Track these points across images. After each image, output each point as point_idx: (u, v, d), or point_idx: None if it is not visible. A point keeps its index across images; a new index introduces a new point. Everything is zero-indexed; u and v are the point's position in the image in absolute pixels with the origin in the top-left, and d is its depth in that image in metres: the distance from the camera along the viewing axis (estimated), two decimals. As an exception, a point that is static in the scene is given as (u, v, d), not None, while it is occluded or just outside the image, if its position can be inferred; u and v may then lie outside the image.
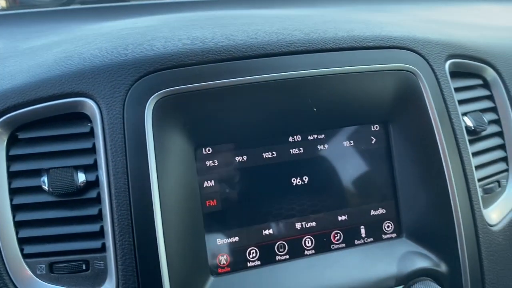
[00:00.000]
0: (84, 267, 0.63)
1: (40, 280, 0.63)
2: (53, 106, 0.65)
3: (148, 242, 0.62)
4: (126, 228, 0.62)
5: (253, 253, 0.70)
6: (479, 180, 0.78)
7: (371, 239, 0.74)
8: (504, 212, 0.80)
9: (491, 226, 0.77)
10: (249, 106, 0.68)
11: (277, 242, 0.71)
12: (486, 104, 0.85)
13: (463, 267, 0.73)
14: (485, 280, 0.74)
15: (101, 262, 0.63)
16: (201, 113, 0.66)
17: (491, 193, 0.80)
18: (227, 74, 0.66)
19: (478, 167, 0.79)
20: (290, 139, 0.72)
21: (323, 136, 0.73)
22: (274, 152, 0.71)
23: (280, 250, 0.71)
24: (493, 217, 0.78)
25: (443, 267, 0.73)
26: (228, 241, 0.69)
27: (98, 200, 0.64)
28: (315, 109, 0.70)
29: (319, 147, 0.73)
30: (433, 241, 0.74)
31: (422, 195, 0.74)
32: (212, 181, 0.68)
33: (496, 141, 0.84)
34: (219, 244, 0.68)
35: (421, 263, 0.71)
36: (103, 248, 0.63)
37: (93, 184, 0.65)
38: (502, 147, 0.85)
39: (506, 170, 0.84)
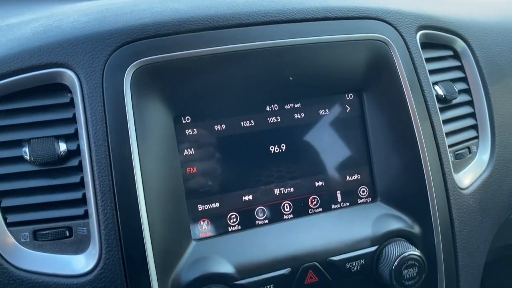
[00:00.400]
0: (67, 234, 0.65)
1: (24, 248, 0.65)
2: (32, 77, 0.66)
3: (130, 208, 0.64)
4: (107, 195, 0.64)
5: (233, 218, 0.72)
6: (450, 146, 0.82)
7: (347, 203, 0.77)
8: (474, 177, 0.83)
9: (462, 189, 0.80)
10: (226, 75, 0.70)
11: (256, 207, 0.73)
12: (456, 74, 0.88)
13: (435, 228, 0.76)
14: (456, 241, 0.78)
15: (84, 228, 0.65)
16: (179, 82, 0.68)
17: (462, 158, 0.83)
18: (203, 43, 0.68)
19: (449, 133, 0.82)
20: (268, 108, 0.74)
21: (299, 105, 0.75)
22: (252, 121, 0.73)
23: (260, 215, 0.73)
24: (463, 181, 0.81)
25: (416, 229, 0.76)
26: (209, 207, 0.71)
27: (79, 168, 0.66)
28: (291, 78, 0.72)
29: (296, 115, 0.75)
30: (406, 204, 0.77)
31: (395, 160, 0.77)
32: (192, 149, 0.70)
33: (466, 109, 0.88)
34: (200, 210, 0.70)
35: (395, 225, 0.74)
36: (85, 215, 0.65)
37: (75, 153, 0.66)
38: (472, 115, 0.88)
39: (476, 138, 0.88)
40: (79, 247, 0.65)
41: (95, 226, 0.64)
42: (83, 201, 0.65)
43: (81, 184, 0.65)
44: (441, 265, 0.75)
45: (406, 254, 0.70)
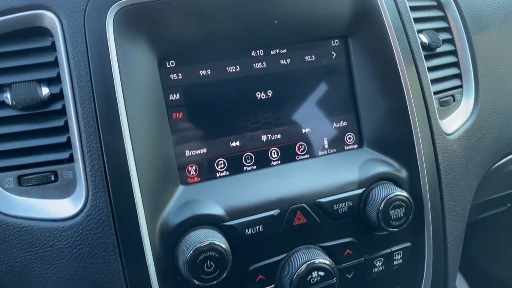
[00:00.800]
0: (52, 178, 0.64)
1: (8, 194, 0.64)
2: (12, 20, 0.64)
3: (116, 151, 0.63)
4: (93, 138, 0.63)
5: (221, 164, 0.72)
6: (435, 93, 0.82)
7: (334, 150, 0.78)
8: (459, 124, 0.84)
9: (447, 135, 0.81)
10: (210, 18, 0.69)
11: (244, 153, 0.73)
12: (440, 24, 0.89)
13: (421, 172, 0.77)
14: (442, 184, 0.79)
15: (70, 172, 0.64)
16: (162, 24, 0.67)
17: (446, 106, 0.84)
18: (187, -15, 0.67)
19: (434, 81, 0.83)
20: (253, 53, 0.73)
21: (285, 50, 0.75)
22: (238, 67, 0.72)
23: (248, 161, 0.73)
24: (448, 127, 0.82)
25: (403, 172, 0.77)
26: (196, 152, 0.70)
27: (63, 112, 0.65)
28: (276, 21, 0.72)
29: (282, 61, 0.75)
30: (393, 149, 0.77)
31: (381, 107, 0.78)
32: (177, 94, 0.69)
33: (450, 59, 0.88)
34: (188, 155, 0.70)
35: (382, 168, 0.75)
36: (71, 159, 0.64)
37: (58, 96, 0.65)
38: (455, 64, 0.89)
39: (460, 87, 0.89)
40: (65, 191, 0.64)
41: (81, 170, 0.63)
42: (67, 145, 0.64)
43: (65, 128, 0.64)
44: (427, 206, 0.77)
45: (392, 194, 0.71)
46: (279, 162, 0.74)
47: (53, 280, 0.63)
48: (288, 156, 0.75)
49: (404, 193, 0.71)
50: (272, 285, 0.70)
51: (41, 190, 0.64)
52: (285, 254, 0.70)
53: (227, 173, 0.72)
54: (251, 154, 0.73)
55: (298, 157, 0.75)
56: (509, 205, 1.41)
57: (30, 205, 0.63)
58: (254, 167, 0.73)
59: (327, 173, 0.74)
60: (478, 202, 1.11)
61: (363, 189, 0.73)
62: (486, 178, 0.94)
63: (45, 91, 0.64)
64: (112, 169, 0.62)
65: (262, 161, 0.74)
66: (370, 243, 0.75)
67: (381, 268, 0.76)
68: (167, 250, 0.64)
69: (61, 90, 0.65)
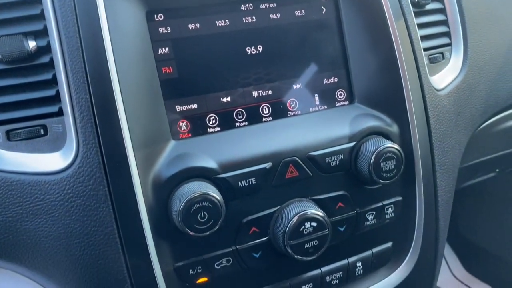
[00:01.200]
0: (42, 132, 0.63)
1: (-3, 149, 0.63)
2: (-6, -29, 0.63)
3: (106, 103, 0.62)
4: (82, 90, 0.62)
5: (212, 119, 0.71)
6: (425, 50, 0.82)
7: (325, 106, 0.78)
8: (448, 80, 0.85)
9: (437, 90, 0.82)
10: (199, -30, 0.68)
11: (235, 109, 0.73)
12: (429, -19, 0.89)
13: (412, 126, 0.77)
14: (432, 138, 0.79)
15: (59, 126, 0.63)
16: (150, -25, 0.66)
17: (436, 62, 0.85)
18: None
19: (423, 38, 0.83)
20: (243, 7, 0.72)
21: (274, 5, 0.74)
22: (227, 20, 0.72)
23: (239, 117, 0.73)
24: (438, 83, 0.83)
25: (394, 127, 0.77)
26: (187, 107, 0.70)
27: (51, 65, 0.64)
28: (264, -26, 0.71)
29: (272, 16, 0.74)
30: (383, 105, 0.78)
31: (372, 62, 0.78)
32: (167, 48, 0.69)
33: (439, 17, 0.88)
34: (179, 111, 0.69)
35: (373, 123, 0.75)
36: (60, 112, 0.63)
37: (45, 49, 0.64)
38: (444, 23, 0.89)
39: (449, 45, 0.89)
40: (55, 144, 0.63)
41: (70, 123, 0.62)
42: (56, 98, 0.63)
43: (53, 81, 0.64)
44: (418, 160, 0.77)
45: (383, 147, 0.71)
46: (270, 118, 0.74)
47: (45, 234, 0.63)
48: (279, 112, 0.75)
49: (395, 145, 0.72)
50: (266, 237, 0.70)
51: (30, 144, 0.63)
52: (278, 207, 0.70)
53: (219, 129, 0.71)
54: (242, 110, 0.73)
55: (289, 114, 0.75)
56: (497, 170, 1.43)
57: (20, 159, 0.63)
58: (246, 123, 0.73)
59: (318, 128, 0.74)
60: (467, 166, 1.12)
61: (354, 142, 0.73)
62: (475, 138, 0.96)
63: (32, 44, 0.63)
64: (102, 122, 0.62)
65: (254, 117, 0.73)
66: (361, 196, 0.75)
67: (373, 222, 0.76)
68: (161, 202, 0.64)
69: (48, 43, 0.64)
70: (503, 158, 1.21)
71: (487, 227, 2.15)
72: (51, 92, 0.63)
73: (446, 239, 2.46)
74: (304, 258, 0.69)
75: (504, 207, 2.02)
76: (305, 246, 0.68)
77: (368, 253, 0.78)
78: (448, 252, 2.30)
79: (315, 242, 0.69)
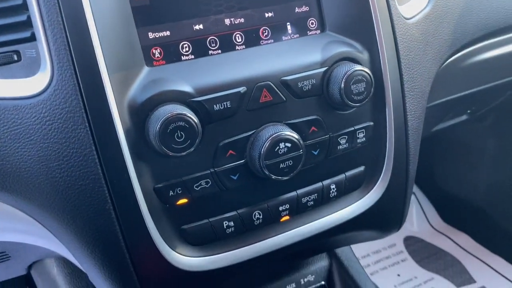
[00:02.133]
0: (15, 58, 0.63)
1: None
2: None
3: (77, 23, 0.62)
4: (54, 14, 0.62)
5: (185, 47, 0.72)
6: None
7: (297, 35, 0.79)
8: (417, 10, 0.87)
9: (406, 19, 0.84)
10: None
11: (208, 37, 0.74)
12: None
13: (381, 53, 0.79)
14: (401, 64, 0.82)
15: (33, 51, 0.63)
16: None
17: (404, -8, 0.87)
18: None
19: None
20: None
21: None
22: None
23: (212, 45, 0.74)
24: (407, 12, 0.85)
25: (364, 54, 0.79)
26: (160, 35, 0.70)
27: (20, -10, 0.64)
28: None
29: None
30: (354, 33, 0.79)
31: (341, -9, 0.79)
32: (138, -26, 0.69)
33: None
34: (152, 38, 0.70)
35: (344, 48, 0.77)
36: (33, 37, 0.64)
37: (12, -26, 0.64)
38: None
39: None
40: (30, 69, 0.64)
41: (44, 47, 0.62)
42: (28, 23, 0.63)
43: (24, 7, 0.63)
44: (387, 86, 0.80)
45: (353, 69, 0.73)
46: (243, 46, 0.76)
47: (25, 158, 0.64)
48: (252, 41, 0.76)
49: (365, 68, 0.74)
50: (243, 160, 0.72)
51: (4, 70, 0.63)
52: (253, 131, 0.72)
53: (192, 56, 0.73)
54: (215, 38, 0.74)
55: (262, 42, 0.77)
56: (469, 111, 1.48)
57: (-6, 86, 0.63)
58: (219, 51, 0.74)
59: (291, 55, 0.76)
60: (438, 104, 1.16)
61: (326, 67, 0.75)
62: (444, 73, 0.99)
63: (-2, -32, 0.63)
64: (76, 44, 0.62)
65: (227, 45, 0.75)
66: (334, 121, 0.78)
67: (345, 146, 0.79)
68: (138, 125, 0.65)
69: (15, -32, 0.63)
70: (472, 97, 1.25)
71: (462, 177, 2.22)
72: (22, 18, 0.63)
73: (423, 190, 2.54)
74: (280, 177, 0.72)
75: (477, 157, 2.10)
76: (280, 166, 0.71)
77: (341, 176, 0.81)
78: (425, 203, 2.39)
79: (290, 162, 0.72)
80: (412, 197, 2.35)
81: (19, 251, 1.00)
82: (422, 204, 2.35)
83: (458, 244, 2.17)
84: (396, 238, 2.25)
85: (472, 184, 2.16)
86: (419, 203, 2.35)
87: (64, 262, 1.06)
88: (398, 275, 2.04)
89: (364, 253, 2.13)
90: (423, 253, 2.15)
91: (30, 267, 1.12)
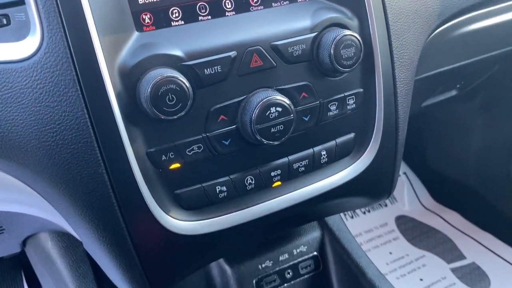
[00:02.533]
0: (5, 22, 0.63)
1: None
2: None
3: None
4: (42, -22, 0.62)
5: (175, 12, 0.72)
6: None
7: (287, 1, 0.79)
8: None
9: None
10: None
11: (198, 3, 0.74)
12: None
13: (371, 20, 0.80)
14: (390, 31, 0.82)
15: (22, 14, 0.63)
16: None
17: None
18: None
19: None
20: None
21: None
22: None
23: (202, 11, 0.74)
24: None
25: (354, 20, 0.80)
26: (150, 0, 0.71)
27: (7, -47, 0.63)
28: None
29: None
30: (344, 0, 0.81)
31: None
32: None
33: None
34: (141, 3, 0.70)
35: (334, 14, 0.78)
36: (22, 1, 0.63)
37: None
38: None
39: None
40: (20, 33, 0.63)
41: (33, 10, 0.62)
42: (15, -11, 0.63)
43: None
44: (377, 52, 0.81)
45: (342, 34, 0.74)
46: (233, 12, 0.76)
47: (17, 123, 0.64)
48: (242, 7, 0.76)
49: (354, 33, 0.75)
50: (234, 126, 0.73)
51: (-6, 32, 0.63)
52: (244, 96, 0.73)
53: (182, 22, 0.73)
54: (205, 4, 0.74)
55: (252, 8, 0.77)
56: (458, 86, 1.49)
57: (-15, 50, 0.63)
58: (209, 17, 0.74)
59: (280, 20, 0.76)
60: (426, 76, 1.17)
61: (316, 33, 0.76)
62: (432, 44, 1.00)
63: None
64: (65, 7, 0.62)
65: (217, 11, 0.75)
66: (324, 87, 0.79)
67: (335, 112, 0.80)
68: (129, 89, 0.66)
69: None
70: (461, 71, 1.27)
71: (452, 157, 2.25)
72: (9, -17, 0.63)
73: (414, 170, 2.55)
74: (271, 142, 0.72)
75: (467, 136, 2.12)
76: (272, 130, 0.72)
77: (332, 143, 0.82)
78: (416, 183, 2.41)
79: (281, 127, 0.72)
80: (403, 177, 2.38)
81: (14, 224, 1.00)
82: (413, 183, 2.38)
83: (449, 222, 2.20)
84: (387, 218, 2.28)
85: (462, 163, 2.19)
86: (410, 183, 2.37)
87: (58, 236, 1.07)
88: (390, 253, 2.07)
89: (356, 232, 2.16)
90: (414, 231, 2.19)
91: (24, 243, 1.13)
